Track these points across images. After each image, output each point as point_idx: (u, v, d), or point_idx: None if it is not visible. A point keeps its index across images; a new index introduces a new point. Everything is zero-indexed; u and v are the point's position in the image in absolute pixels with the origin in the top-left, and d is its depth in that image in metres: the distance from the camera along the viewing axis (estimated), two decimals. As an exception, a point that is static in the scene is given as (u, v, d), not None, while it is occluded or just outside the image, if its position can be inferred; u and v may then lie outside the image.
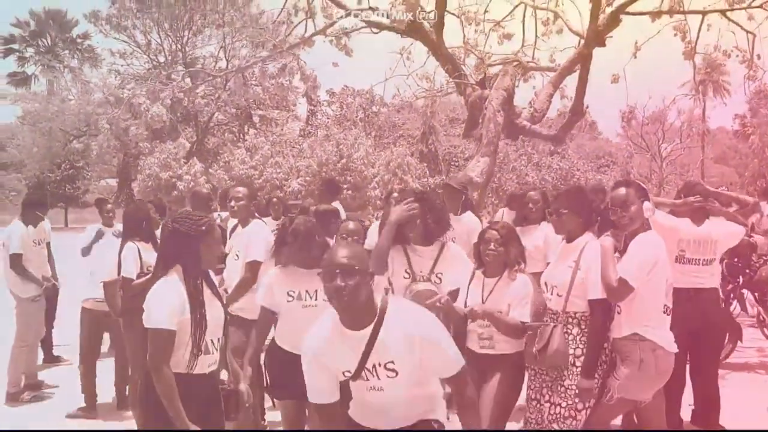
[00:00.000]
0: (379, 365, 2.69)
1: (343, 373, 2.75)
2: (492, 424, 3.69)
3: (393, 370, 2.70)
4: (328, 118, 35.31)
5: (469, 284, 3.94)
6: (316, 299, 3.73)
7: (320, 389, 2.78)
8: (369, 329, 2.67)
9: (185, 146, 7.92)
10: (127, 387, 5.63)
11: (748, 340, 7.66)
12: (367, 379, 2.73)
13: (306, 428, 3.99)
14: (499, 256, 3.83)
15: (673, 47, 8.21)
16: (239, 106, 36.48)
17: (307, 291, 3.76)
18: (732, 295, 7.35)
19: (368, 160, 27.37)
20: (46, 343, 7.40)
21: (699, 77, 24.63)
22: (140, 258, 4.99)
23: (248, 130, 36.17)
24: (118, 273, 5.04)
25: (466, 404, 2.80)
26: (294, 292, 3.76)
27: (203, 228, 3.10)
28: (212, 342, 3.14)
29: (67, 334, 7.15)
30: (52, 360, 7.37)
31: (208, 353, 3.11)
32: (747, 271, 7.26)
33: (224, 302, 3.37)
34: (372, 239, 5.09)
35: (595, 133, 47.80)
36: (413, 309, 2.82)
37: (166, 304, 2.98)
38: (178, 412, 2.93)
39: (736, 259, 7.10)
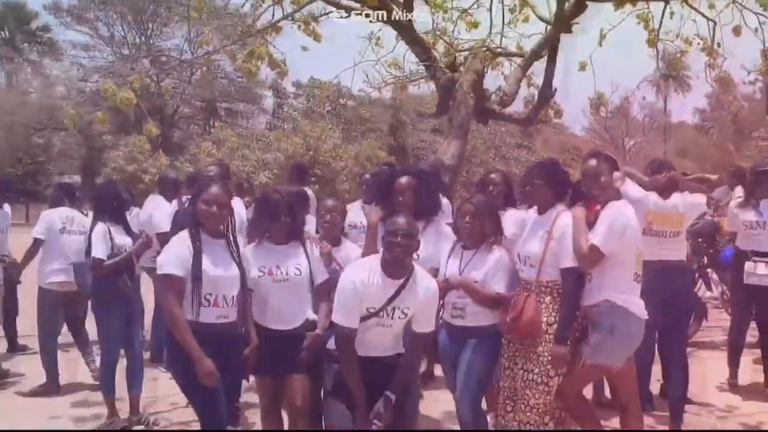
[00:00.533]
0: (398, 308, 3.41)
1: (367, 309, 3.41)
2: (465, 390, 3.78)
3: (405, 314, 3.43)
4: (295, 111, 35.07)
5: (448, 258, 4.00)
6: (286, 274, 3.74)
7: (350, 316, 3.39)
8: (401, 280, 3.39)
9: (156, 131, 7.76)
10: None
11: (712, 320, 7.87)
12: (383, 317, 3.42)
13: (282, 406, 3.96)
14: (474, 228, 3.88)
15: (637, 41, 8.29)
16: (205, 99, 36.10)
17: (278, 266, 3.75)
18: (697, 275, 7.49)
19: (336, 153, 27.27)
20: (10, 333, 7.26)
21: (660, 72, 25.05)
22: (111, 239, 4.91)
23: (214, 123, 35.79)
24: (86, 254, 4.96)
25: (418, 348, 3.56)
26: (265, 267, 3.75)
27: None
28: (224, 297, 3.49)
29: (31, 324, 7.00)
30: (16, 349, 7.23)
31: (217, 306, 3.47)
32: (711, 251, 7.42)
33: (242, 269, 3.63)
34: (351, 218, 5.12)
35: (560, 127, 48.36)
36: (430, 277, 3.59)
37: (171, 253, 3.46)
38: (193, 347, 3.30)
39: (700, 239, 7.25)
